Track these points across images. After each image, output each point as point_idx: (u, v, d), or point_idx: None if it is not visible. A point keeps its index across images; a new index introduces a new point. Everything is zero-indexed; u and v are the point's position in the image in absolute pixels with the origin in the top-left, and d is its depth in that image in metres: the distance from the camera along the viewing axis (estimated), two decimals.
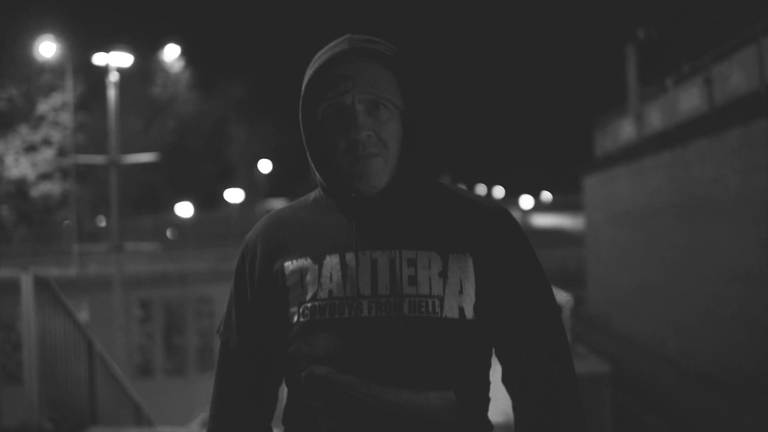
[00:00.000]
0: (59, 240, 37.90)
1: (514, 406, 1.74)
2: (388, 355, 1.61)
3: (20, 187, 38.19)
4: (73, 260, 29.49)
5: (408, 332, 1.61)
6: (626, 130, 20.94)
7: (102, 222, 44.57)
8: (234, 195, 51.43)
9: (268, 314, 1.74)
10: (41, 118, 38.62)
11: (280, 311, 1.71)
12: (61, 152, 37.79)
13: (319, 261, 1.69)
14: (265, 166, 52.82)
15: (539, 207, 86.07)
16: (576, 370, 1.76)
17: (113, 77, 21.91)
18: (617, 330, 19.57)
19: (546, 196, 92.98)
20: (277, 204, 55.43)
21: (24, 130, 38.23)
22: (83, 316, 19.59)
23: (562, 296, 11.32)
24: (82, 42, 37.03)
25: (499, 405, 1.88)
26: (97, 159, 27.82)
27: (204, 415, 16.03)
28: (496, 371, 1.74)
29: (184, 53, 45.77)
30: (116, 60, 22.25)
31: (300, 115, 1.75)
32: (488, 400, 1.75)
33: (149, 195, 45.25)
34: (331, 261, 1.68)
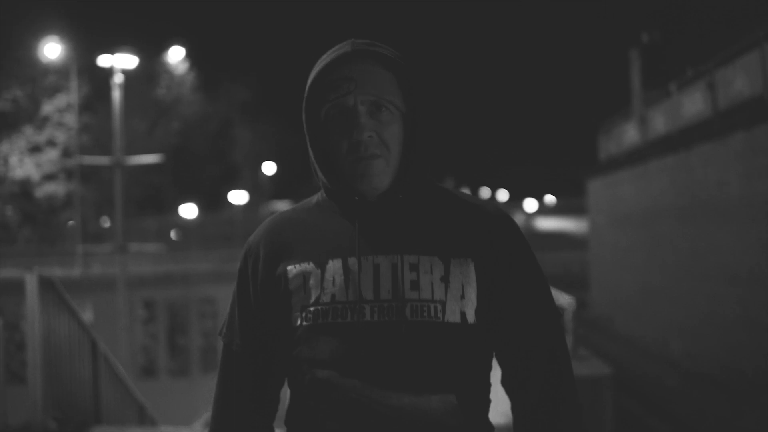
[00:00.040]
0: (63, 240, 37.89)
1: (513, 407, 1.75)
2: (390, 359, 1.62)
3: (25, 187, 38.25)
4: (77, 261, 29.56)
5: (410, 336, 1.62)
6: (630, 134, 21.01)
7: (106, 223, 44.60)
8: (238, 197, 51.47)
9: (271, 316, 1.75)
10: (46, 119, 38.57)
11: (283, 314, 1.72)
12: (66, 153, 37.75)
13: (321, 265, 1.70)
14: (269, 168, 52.84)
15: (543, 210, 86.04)
16: (578, 372, 1.79)
17: (118, 79, 21.93)
18: (620, 332, 19.64)
19: (550, 199, 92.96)
20: (281, 206, 55.49)
21: (28, 130, 38.22)
22: (87, 316, 19.63)
23: (564, 299, 11.37)
24: (87, 43, 37.00)
25: (501, 407, 1.85)
26: (102, 160, 27.83)
27: (207, 415, 16.09)
28: (497, 373, 1.76)
29: (189, 55, 45.73)
30: (121, 61, 22.26)
31: (303, 117, 1.76)
32: (489, 401, 1.76)
33: (154, 196, 45.30)
34: (334, 265, 1.69)
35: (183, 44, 44.67)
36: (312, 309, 1.68)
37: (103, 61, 22.44)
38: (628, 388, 13.67)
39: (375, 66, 1.71)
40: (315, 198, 1.84)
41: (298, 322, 1.69)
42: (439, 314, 1.64)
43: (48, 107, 38.49)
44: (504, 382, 1.77)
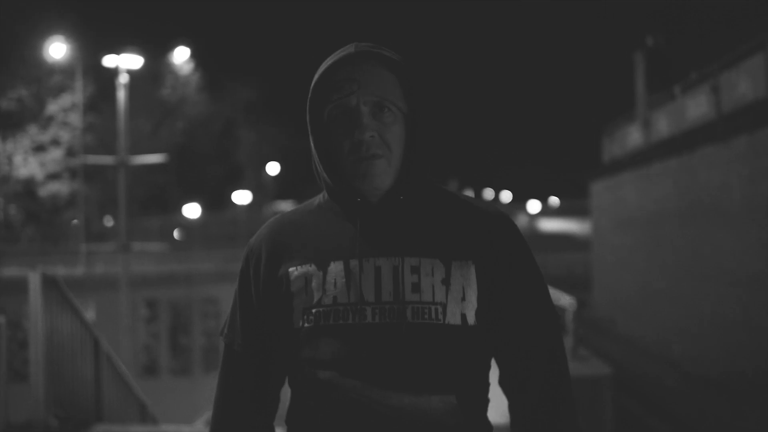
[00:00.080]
0: (67, 239, 38.14)
1: (512, 407, 1.76)
2: (391, 361, 1.63)
3: (28, 186, 38.30)
4: (80, 260, 29.64)
5: (411, 338, 1.63)
6: (634, 137, 21.05)
7: (110, 222, 44.63)
8: (242, 197, 51.51)
9: (272, 317, 1.76)
10: (50, 119, 38.58)
11: (284, 315, 1.73)
12: (70, 152, 37.77)
13: (323, 267, 1.71)
14: (273, 168, 52.88)
15: (547, 212, 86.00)
16: (578, 372, 1.81)
17: (123, 79, 21.99)
18: (622, 333, 19.67)
19: (553, 201, 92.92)
20: (285, 206, 55.61)
21: (33, 130, 38.22)
22: (90, 315, 19.67)
23: (565, 299, 11.39)
24: (92, 43, 37.06)
25: (501, 407, 1.84)
26: (106, 159, 27.89)
27: (208, 413, 16.12)
28: (495, 372, 1.78)
29: (194, 55, 45.83)
30: (126, 62, 22.34)
31: (307, 117, 1.77)
32: (488, 400, 1.77)
33: (158, 196, 45.37)
34: (336, 267, 1.70)
35: (188, 45, 44.81)
36: (314, 311, 1.69)
37: (109, 61, 22.52)
38: (629, 389, 13.72)
39: (378, 67, 1.72)
40: (317, 199, 1.85)
41: (300, 324, 1.70)
42: (440, 316, 1.65)
43: (53, 107, 38.43)
44: (502, 382, 1.78)
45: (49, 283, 8.13)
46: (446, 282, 1.67)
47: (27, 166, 37.67)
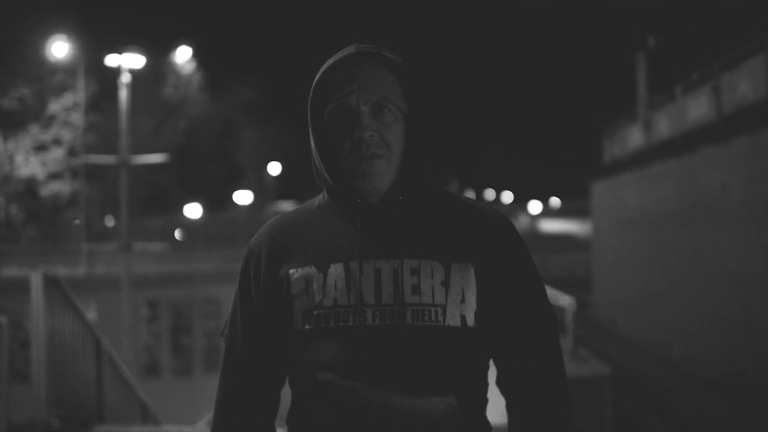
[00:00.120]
0: (68, 239, 38.04)
1: (511, 406, 1.76)
2: (391, 362, 1.64)
3: (30, 186, 38.15)
4: (81, 260, 29.65)
5: (411, 340, 1.64)
6: (634, 137, 21.08)
7: (111, 222, 44.62)
8: (243, 197, 51.48)
9: (272, 318, 1.77)
10: (52, 118, 38.46)
11: (285, 317, 1.74)
12: (72, 152, 37.66)
13: (323, 269, 1.72)
14: (274, 168, 52.85)
15: (548, 212, 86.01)
16: (578, 372, 1.82)
17: (125, 78, 22.01)
18: (622, 334, 19.73)
19: (555, 201, 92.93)
20: (286, 206, 55.60)
21: (35, 129, 38.08)
22: (91, 315, 19.68)
23: (565, 300, 11.41)
24: (95, 42, 36.95)
25: (500, 407, 1.85)
26: (108, 159, 27.94)
27: (210, 414, 16.13)
28: (494, 373, 1.79)
29: (196, 55, 45.82)
30: (128, 61, 22.35)
31: (308, 116, 1.78)
32: (486, 400, 1.78)
33: (159, 196, 45.35)
34: (336, 269, 1.71)
35: (190, 44, 44.75)
36: (314, 313, 1.70)
37: (111, 60, 22.53)
38: (629, 389, 13.75)
39: (378, 68, 1.73)
40: (317, 200, 1.85)
41: (301, 326, 1.71)
42: (440, 318, 1.66)
43: (55, 106, 38.32)
44: (500, 382, 1.78)
45: (51, 283, 8.13)
46: (446, 284, 1.68)
47: (28, 165, 37.55)
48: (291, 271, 1.74)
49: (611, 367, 10.92)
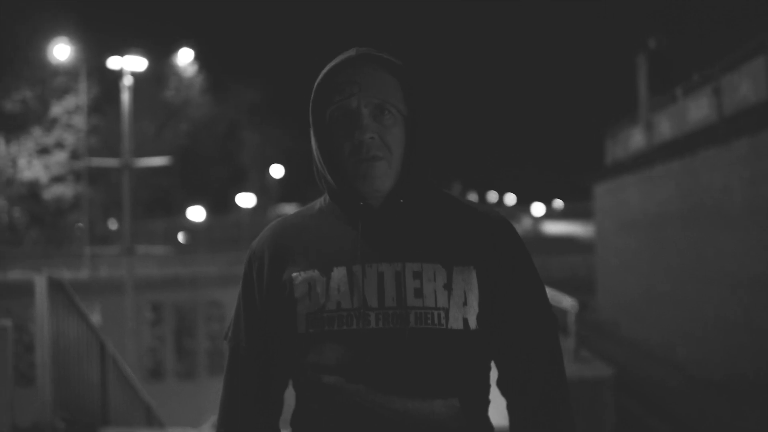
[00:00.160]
0: (71, 242, 38.14)
1: (512, 408, 1.78)
2: (394, 365, 1.65)
3: (33, 189, 38.21)
4: (84, 263, 29.69)
5: (414, 343, 1.65)
6: (636, 139, 21.18)
7: (114, 225, 44.62)
8: (246, 199, 51.50)
9: (276, 320, 1.78)
10: (54, 121, 38.50)
11: (288, 320, 1.75)
12: (74, 155, 37.72)
13: (327, 273, 1.73)
14: (276, 170, 52.85)
15: (551, 214, 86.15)
16: (580, 374, 1.84)
17: (127, 81, 22.06)
18: (626, 336, 19.82)
19: (557, 203, 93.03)
20: (289, 209, 55.58)
21: (37, 132, 38.12)
22: (95, 318, 19.74)
23: (567, 301, 11.45)
24: (97, 45, 36.91)
25: (502, 408, 1.86)
26: (111, 162, 27.95)
27: (214, 417, 16.13)
28: (494, 374, 1.80)
29: (198, 57, 45.78)
30: (131, 64, 22.39)
31: (310, 119, 1.79)
32: (488, 401, 1.79)
33: (162, 199, 45.35)
34: (339, 273, 1.71)
35: (192, 46, 44.78)
36: (318, 316, 1.70)
37: (113, 63, 22.55)
38: (631, 390, 13.82)
39: (379, 71, 1.74)
40: (318, 203, 1.87)
41: (304, 329, 1.72)
42: (443, 321, 1.67)
43: (57, 109, 38.39)
44: (501, 384, 1.80)
45: (56, 287, 8.18)
46: (448, 287, 1.69)
47: (31, 168, 37.65)
48: (294, 274, 1.75)
49: (613, 369, 10.98)
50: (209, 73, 47.78)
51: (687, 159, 16.22)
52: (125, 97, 22.25)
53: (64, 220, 39.89)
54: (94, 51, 36.16)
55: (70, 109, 38.21)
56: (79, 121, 36.45)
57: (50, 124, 38.56)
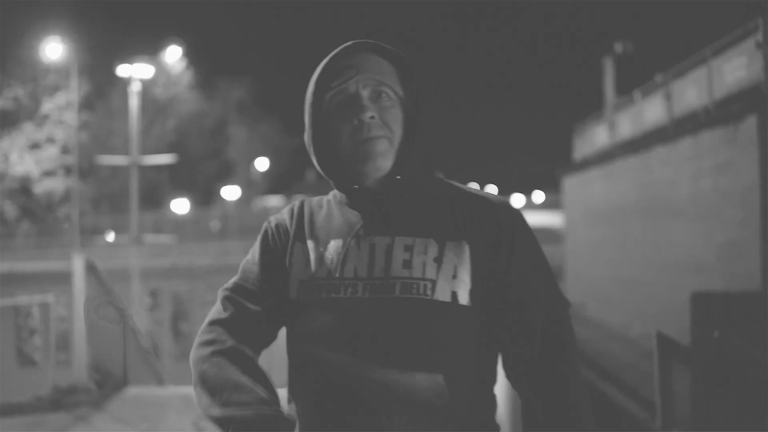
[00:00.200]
0: (61, 235, 38.30)
1: (520, 396, 1.73)
2: (378, 335, 1.62)
3: (24, 183, 38.77)
4: (75, 253, 29.87)
5: (399, 313, 1.62)
6: (601, 136, 21.77)
7: (111, 237, 43.45)
8: (231, 192, 51.83)
9: (275, 284, 1.78)
10: (46, 117, 38.84)
11: (282, 286, 1.76)
12: (65, 150, 38.03)
13: (324, 244, 1.74)
14: (262, 163, 52.94)
15: (530, 205, 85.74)
16: None
17: (135, 87, 22.78)
18: (591, 317, 20.31)
19: (537, 195, 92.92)
20: (274, 201, 55.67)
21: (29, 128, 38.36)
22: None
23: None
24: (87, 43, 37.11)
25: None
26: (120, 160, 28.55)
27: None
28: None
29: (186, 55, 46.08)
30: (139, 71, 23.06)
31: (308, 109, 1.78)
32: (493, 397, 1.74)
33: (152, 192, 45.52)
34: (334, 245, 1.73)
35: (180, 44, 44.94)
36: (309, 284, 1.71)
37: (122, 71, 23.22)
38: (590, 361, 14.78)
39: (374, 55, 1.76)
40: (331, 192, 1.87)
41: (295, 295, 1.72)
42: (428, 292, 1.63)
43: (48, 105, 38.71)
44: (507, 368, 1.74)
45: (90, 268, 9.55)
46: (438, 260, 1.66)
47: (23, 163, 38.18)
48: (297, 244, 1.78)
49: None
50: (197, 71, 47.76)
51: (643, 156, 16.98)
52: (133, 102, 22.84)
53: (55, 214, 40.29)
54: (85, 48, 36.33)
55: (61, 105, 38.58)
56: (70, 117, 36.79)
57: (41, 120, 39.04)
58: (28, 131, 38.90)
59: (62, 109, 38.93)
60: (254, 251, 1.84)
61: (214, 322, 1.76)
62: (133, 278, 23.32)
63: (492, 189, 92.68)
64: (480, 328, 1.67)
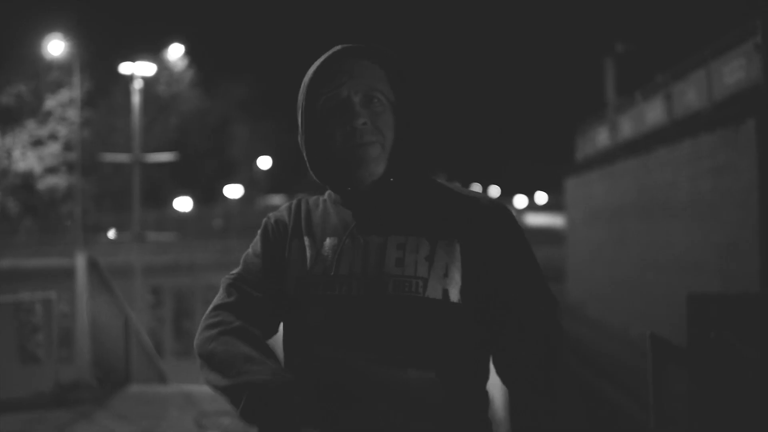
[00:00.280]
0: (64, 231, 38.22)
1: (508, 392, 1.73)
2: (371, 332, 1.63)
3: (27, 180, 38.41)
4: (78, 250, 29.90)
5: (391, 310, 1.64)
6: (602, 137, 21.79)
7: (113, 235, 43.49)
8: (233, 191, 51.73)
9: (277, 277, 1.81)
10: (48, 114, 38.50)
11: (280, 283, 1.79)
12: (67, 147, 37.81)
13: (320, 242, 1.76)
14: (264, 162, 52.72)
15: (533, 206, 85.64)
16: None
17: (137, 84, 22.79)
18: (590, 317, 20.47)
19: (540, 196, 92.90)
20: (277, 200, 55.55)
21: (31, 124, 38.04)
22: None
23: None
24: (90, 40, 36.82)
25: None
26: (122, 157, 28.53)
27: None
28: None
29: (188, 52, 45.88)
30: (141, 69, 23.06)
31: (300, 115, 1.80)
32: (485, 393, 1.76)
33: (154, 190, 45.42)
34: (330, 243, 1.75)
35: (183, 42, 44.85)
36: (305, 281, 1.73)
37: (125, 68, 23.25)
38: (588, 360, 14.82)
39: (365, 60, 1.76)
40: (327, 192, 1.89)
41: (292, 291, 1.75)
42: (420, 290, 1.64)
43: (51, 102, 38.43)
44: (497, 369, 1.75)
45: (92, 265, 9.58)
46: (430, 259, 1.67)
47: (25, 160, 37.90)
48: (294, 241, 1.81)
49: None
50: (199, 69, 47.22)
51: (643, 157, 17.00)
52: (135, 100, 22.79)
53: (57, 211, 40.04)
54: (87, 46, 36.04)
55: (64, 102, 38.32)
56: (73, 114, 36.43)
57: (44, 117, 38.69)
58: (31, 128, 38.55)
59: (65, 106, 38.58)
60: (255, 244, 1.86)
61: (218, 307, 1.77)
62: (135, 275, 23.31)
63: (495, 190, 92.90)
64: (471, 325, 1.69)
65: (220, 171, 51.23)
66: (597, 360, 15.14)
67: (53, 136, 38.99)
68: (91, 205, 42.25)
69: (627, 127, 19.17)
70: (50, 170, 39.06)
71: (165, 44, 40.83)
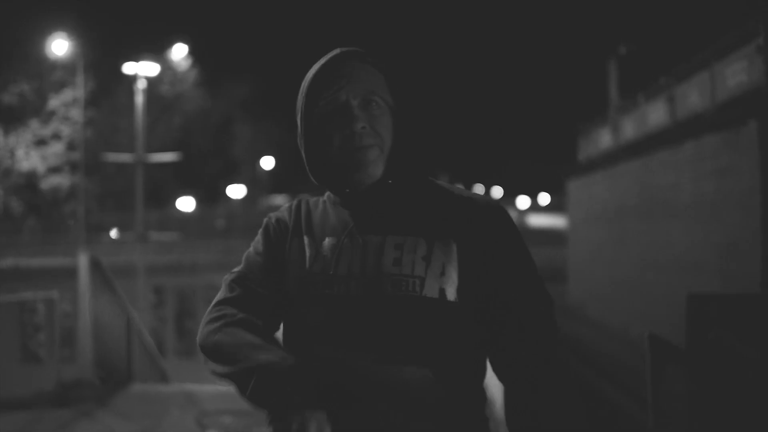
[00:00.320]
0: (67, 231, 38.39)
1: (504, 390, 1.75)
2: (369, 331, 1.64)
3: (30, 179, 38.69)
4: (80, 250, 29.96)
5: (389, 309, 1.65)
6: (605, 139, 21.77)
7: (115, 234, 43.71)
8: (236, 191, 51.81)
9: (278, 276, 1.82)
10: (52, 113, 38.78)
11: (279, 282, 1.80)
12: (71, 146, 38.03)
13: (319, 242, 1.78)
14: (267, 162, 52.95)
15: (536, 207, 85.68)
16: None
17: (141, 84, 22.85)
18: (591, 318, 20.47)
19: (544, 197, 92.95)
20: (280, 200, 55.67)
21: (35, 124, 38.30)
22: None
23: None
24: (93, 40, 37.12)
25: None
26: (125, 157, 28.60)
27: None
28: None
29: (192, 53, 45.92)
30: (144, 69, 23.14)
31: (299, 119, 1.82)
32: (482, 391, 1.77)
33: (157, 190, 45.58)
34: (329, 242, 1.76)
35: (186, 42, 44.92)
36: (304, 280, 1.74)
37: (128, 68, 23.31)
38: (589, 361, 14.85)
39: (363, 64, 1.77)
40: (327, 192, 1.90)
41: (292, 290, 1.76)
42: (417, 288, 1.65)
43: (54, 102, 38.69)
44: (494, 368, 1.76)
45: (95, 265, 9.62)
46: (427, 258, 1.68)
47: (29, 159, 38.14)
48: (294, 240, 1.82)
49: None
50: (203, 69, 47.62)
51: (645, 158, 16.98)
52: (139, 100, 22.83)
53: (60, 210, 40.31)
54: (91, 46, 36.21)
55: (67, 102, 38.61)
56: (76, 113, 36.74)
57: (48, 117, 38.96)
58: (34, 127, 38.81)
59: (68, 105, 38.94)
60: (257, 243, 1.88)
61: (221, 302, 1.79)
62: (137, 275, 23.33)
63: (498, 191, 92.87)
64: (469, 324, 1.70)
65: (223, 171, 51.39)
66: (597, 360, 15.15)
67: (56, 136, 39.26)
68: (94, 205, 42.41)
69: (629, 129, 19.14)
70: (53, 170, 39.35)
71: (168, 44, 41.04)
